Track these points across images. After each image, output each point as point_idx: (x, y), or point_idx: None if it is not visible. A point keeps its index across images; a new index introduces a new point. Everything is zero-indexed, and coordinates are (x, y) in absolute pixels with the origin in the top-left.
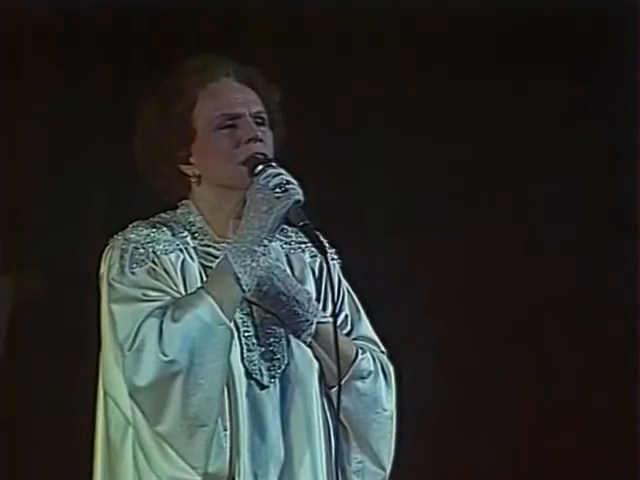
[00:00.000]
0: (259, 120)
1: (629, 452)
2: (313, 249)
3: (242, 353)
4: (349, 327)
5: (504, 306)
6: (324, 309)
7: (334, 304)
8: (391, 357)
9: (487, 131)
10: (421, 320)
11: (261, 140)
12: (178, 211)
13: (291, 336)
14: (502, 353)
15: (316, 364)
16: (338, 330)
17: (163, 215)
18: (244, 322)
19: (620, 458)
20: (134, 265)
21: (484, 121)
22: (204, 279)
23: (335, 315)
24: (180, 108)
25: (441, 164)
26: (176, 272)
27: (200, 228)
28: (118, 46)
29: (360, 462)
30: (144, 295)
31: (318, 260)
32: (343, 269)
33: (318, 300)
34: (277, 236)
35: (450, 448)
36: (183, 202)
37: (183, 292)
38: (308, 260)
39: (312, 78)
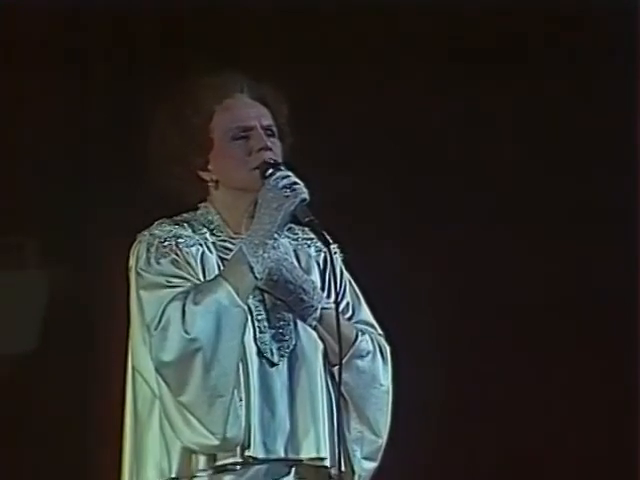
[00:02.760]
0: (269, 132)
1: (629, 450)
2: (318, 244)
3: (255, 334)
4: (350, 312)
5: (504, 305)
6: (328, 297)
7: (336, 292)
8: (388, 339)
9: (488, 130)
10: (421, 320)
11: (270, 149)
12: (198, 211)
13: (298, 320)
14: (502, 351)
15: (320, 345)
16: (340, 315)
17: (185, 215)
18: (257, 307)
19: (620, 456)
20: (159, 256)
21: (484, 121)
22: (221, 269)
23: (337, 302)
24: (198, 121)
25: (445, 163)
26: (196, 263)
27: (217, 225)
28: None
29: (359, 432)
30: (168, 282)
31: (322, 254)
32: (344, 261)
33: (322, 289)
34: (286, 234)
35: (451, 444)
36: (202, 204)
37: (202, 280)
38: (313, 254)
39: (311, 78)
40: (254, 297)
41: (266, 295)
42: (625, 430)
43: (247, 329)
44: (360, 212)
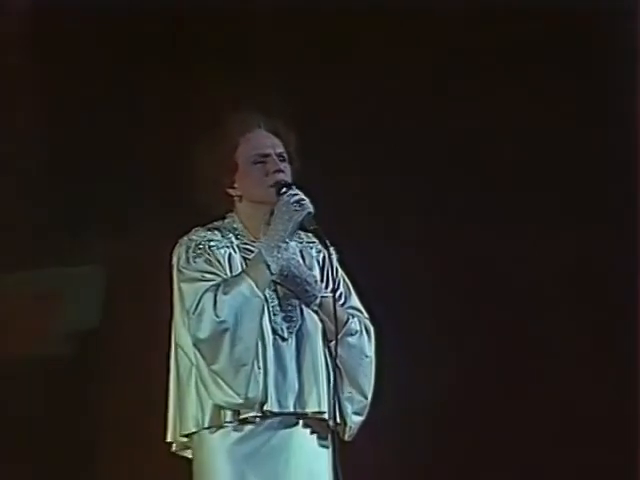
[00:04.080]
0: (281, 158)
1: (630, 446)
2: (318, 246)
3: (270, 317)
4: (343, 300)
5: (505, 292)
6: (326, 287)
7: (333, 284)
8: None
9: (488, 129)
10: (421, 319)
11: (283, 171)
12: (225, 220)
13: (303, 306)
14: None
15: (320, 325)
16: (336, 302)
17: (215, 223)
18: (271, 296)
19: (621, 452)
20: (195, 256)
21: (484, 120)
22: (244, 266)
23: (334, 291)
24: (227, 149)
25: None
26: (224, 261)
27: (241, 231)
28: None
29: (350, 392)
30: (202, 277)
31: (322, 254)
32: (339, 260)
33: (322, 281)
34: (294, 238)
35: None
36: (229, 214)
37: (229, 275)
38: (314, 254)
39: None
40: (269, 288)
41: (278, 286)
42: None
43: (264, 313)
44: (358, 213)
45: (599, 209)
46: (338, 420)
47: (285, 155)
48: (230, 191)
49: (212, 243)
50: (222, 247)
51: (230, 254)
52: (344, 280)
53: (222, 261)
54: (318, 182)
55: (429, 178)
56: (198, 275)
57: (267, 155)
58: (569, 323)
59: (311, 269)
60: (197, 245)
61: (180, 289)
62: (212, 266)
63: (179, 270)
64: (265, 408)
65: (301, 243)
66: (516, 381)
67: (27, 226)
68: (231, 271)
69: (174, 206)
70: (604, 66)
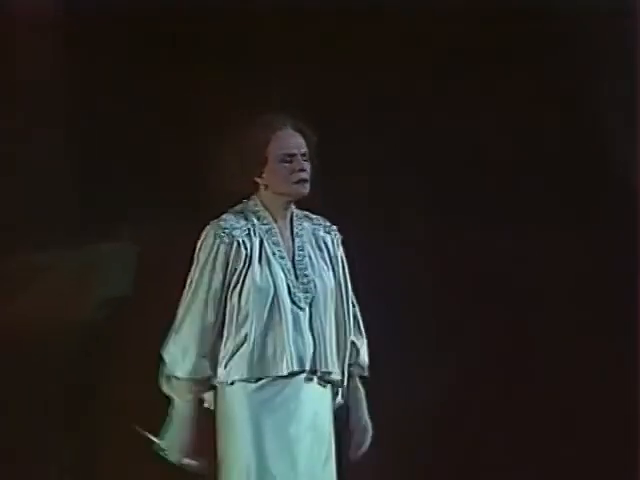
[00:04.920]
0: (304, 158)
1: (630, 446)
2: (326, 228)
3: (289, 289)
4: (344, 280)
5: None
6: (331, 261)
7: (336, 258)
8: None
9: (488, 129)
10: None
11: (305, 170)
12: (250, 202)
13: (316, 279)
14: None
15: (329, 296)
16: (341, 269)
17: (240, 206)
18: (289, 271)
19: (621, 453)
20: (217, 245)
21: (484, 119)
22: (263, 248)
23: (337, 263)
24: (260, 145)
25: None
26: (245, 245)
27: (263, 214)
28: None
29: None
30: (216, 259)
31: (328, 235)
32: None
33: (329, 256)
34: (306, 220)
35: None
36: (252, 197)
37: (248, 256)
38: (322, 234)
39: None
40: (290, 265)
41: (296, 262)
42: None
43: (285, 287)
44: (359, 213)
45: (599, 209)
46: (350, 373)
47: (307, 154)
48: (257, 179)
49: (235, 230)
50: (244, 231)
51: (250, 237)
52: (342, 257)
53: (241, 244)
54: (318, 182)
55: (429, 178)
56: (214, 265)
57: (293, 155)
58: (569, 323)
59: (320, 246)
60: (222, 229)
61: (198, 259)
62: (232, 249)
63: (200, 249)
64: (286, 368)
65: (313, 224)
66: (516, 381)
67: (67, 206)
68: (251, 253)
69: (200, 191)
70: (604, 66)
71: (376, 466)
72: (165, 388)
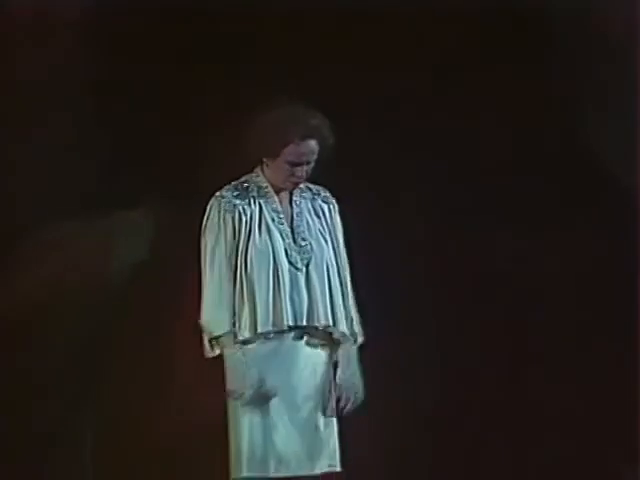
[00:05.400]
0: (307, 165)
1: (630, 446)
2: (324, 198)
3: (286, 251)
4: (337, 243)
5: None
6: (328, 227)
7: (333, 225)
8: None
9: (488, 129)
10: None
11: (302, 178)
12: (253, 174)
13: (313, 241)
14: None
15: (325, 258)
16: (335, 235)
17: (244, 177)
18: (288, 236)
19: (621, 452)
20: (222, 214)
21: (483, 119)
22: (262, 215)
23: (332, 229)
24: (279, 143)
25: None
26: (248, 214)
27: (265, 185)
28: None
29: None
30: (225, 226)
31: (325, 204)
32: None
33: (326, 222)
34: (306, 191)
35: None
36: (255, 170)
37: (248, 224)
38: (320, 203)
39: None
40: (285, 227)
41: (294, 228)
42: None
43: (282, 250)
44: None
45: (599, 209)
46: (342, 330)
47: (313, 160)
48: (266, 160)
49: (237, 199)
50: (244, 200)
51: (250, 206)
52: (339, 225)
53: (242, 214)
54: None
55: (429, 178)
56: (223, 224)
57: (299, 164)
58: (569, 323)
59: (318, 215)
60: (226, 201)
61: (206, 226)
62: (233, 218)
63: (208, 217)
64: (284, 323)
65: (312, 195)
66: (516, 381)
67: (92, 179)
68: (251, 220)
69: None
70: (604, 66)
71: (375, 465)
72: (214, 350)
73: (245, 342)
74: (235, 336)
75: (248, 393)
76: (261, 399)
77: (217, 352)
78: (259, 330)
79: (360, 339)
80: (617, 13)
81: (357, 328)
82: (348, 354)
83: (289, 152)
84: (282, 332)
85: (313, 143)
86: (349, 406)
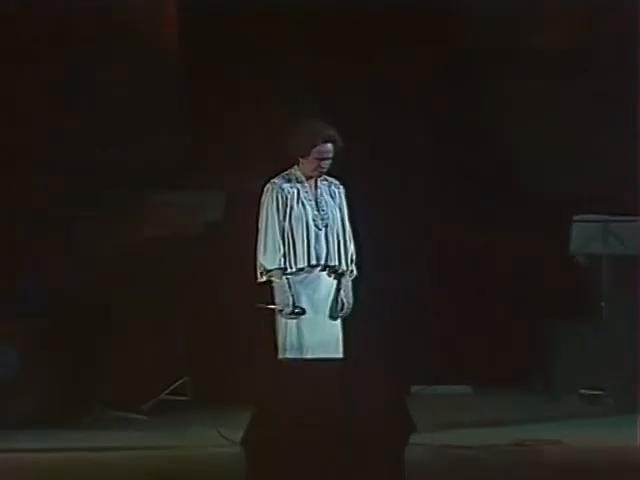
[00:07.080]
0: (329, 159)
1: None
2: (334, 184)
3: (312, 215)
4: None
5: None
6: (337, 204)
7: (341, 202)
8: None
9: (488, 127)
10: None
11: (325, 169)
12: (293, 169)
13: (329, 212)
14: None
15: (339, 219)
16: (343, 209)
17: (288, 170)
18: (312, 206)
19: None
20: (275, 194)
21: (484, 117)
22: (299, 194)
23: (339, 206)
24: (309, 144)
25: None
26: (290, 194)
27: (299, 176)
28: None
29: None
30: (276, 201)
31: (336, 189)
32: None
33: (335, 203)
34: (323, 180)
35: None
36: (294, 166)
37: (290, 200)
38: (333, 189)
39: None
40: (314, 204)
41: (318, 203)
42: None
43: (309, 215)
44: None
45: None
46: (345, 268)
47: (330, 158)
48: (300, 159)
49: (284, 185)
50: (289, 186)
51: (292, 188)
52: (345, 206)
53: (288, 195)
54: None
55: (429, 177)
56: (274, 203)
57: (324, 159)
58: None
59: (331, 196)
60: (278, 186)
61: (263, 206)
62: (280, 199)
63: (263, 202)
64: (312, 262)
65: (327, 183)
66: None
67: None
68: (295, 199)
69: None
70: (604, 65)
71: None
72: (264, 277)
73: (287, 274)
74: (281, 270)
75: (286, 309)
76: (294, 313)
77: (264, 279)
78: (298, 266)
79: (355, 273)
80: (617, 13)
81: (353, 267)
82: (347, 282)
83: (316, 150)
84: (310, 268)
85: (330, 145)
86: (346, 312)
